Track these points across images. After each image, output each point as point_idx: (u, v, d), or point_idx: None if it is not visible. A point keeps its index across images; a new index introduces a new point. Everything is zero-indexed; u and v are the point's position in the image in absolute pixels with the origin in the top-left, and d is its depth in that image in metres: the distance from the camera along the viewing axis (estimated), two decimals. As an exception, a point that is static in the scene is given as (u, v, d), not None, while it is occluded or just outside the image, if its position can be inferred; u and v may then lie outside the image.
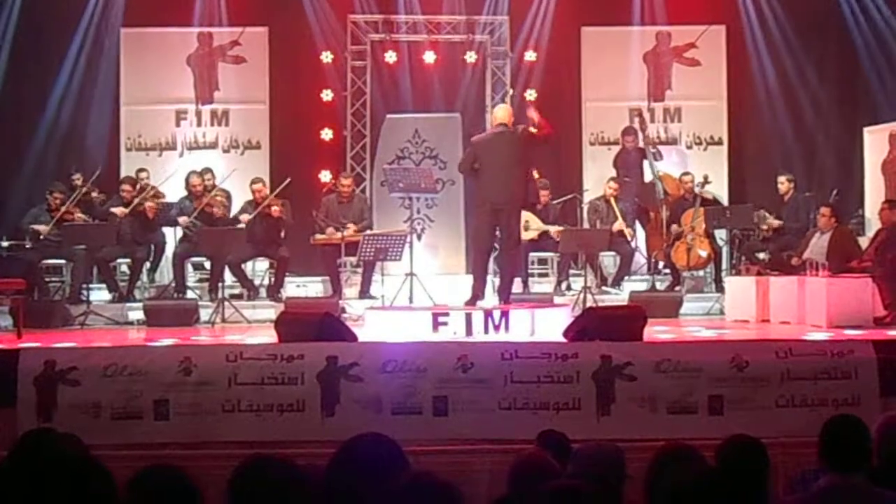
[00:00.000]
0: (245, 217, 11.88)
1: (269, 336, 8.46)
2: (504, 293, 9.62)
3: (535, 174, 13.19)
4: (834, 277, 9.97)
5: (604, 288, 12.27)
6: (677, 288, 12.30)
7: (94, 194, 12.32)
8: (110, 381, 6.99)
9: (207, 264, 12.18)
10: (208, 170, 12.60)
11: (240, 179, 12.62)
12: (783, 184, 12.29)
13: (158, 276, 12.41)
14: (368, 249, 11.21)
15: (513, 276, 9.75)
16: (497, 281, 10.40)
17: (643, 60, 13.97)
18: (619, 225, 12.28)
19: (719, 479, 3.24)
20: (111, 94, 13.49)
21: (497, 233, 9.73)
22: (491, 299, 9.93)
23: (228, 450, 6.32)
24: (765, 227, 12.10)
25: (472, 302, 9.46)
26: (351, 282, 12.18)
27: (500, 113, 10.00)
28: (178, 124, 13.63)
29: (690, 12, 13.76)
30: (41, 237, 11.60)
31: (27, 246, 11.79)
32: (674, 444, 4.06)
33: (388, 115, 13.59)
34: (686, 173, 12.97)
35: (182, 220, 11.92)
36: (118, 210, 11.77)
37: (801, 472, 4.56)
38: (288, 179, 12.20)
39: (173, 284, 11.92)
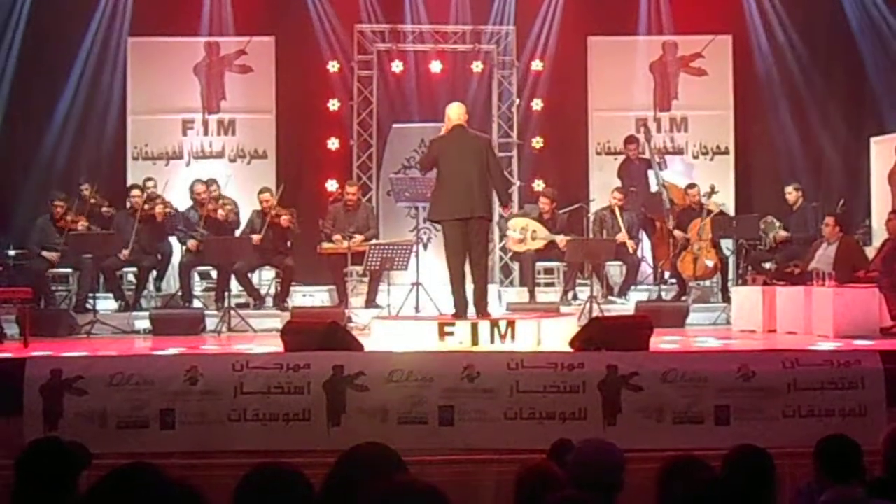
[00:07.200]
0: (256, 238, 11.75)
1: (275, 345, 8.44)
2: (480, 305, 9.14)
3: (541, 183, 13.22)
4: (840, 287, 9.94)
5: (610, 298, 12.26)
6: (683, 298, 12.28)
7: (103, 208, 12.33)
8: (116, 390, 6.99)
9: (214, 273, 12.18)
10: (214, 180, 12.59)
11: (245, 189, 12.63)
12: (791, 193, 12.28)
13: (165, 285, 12.41)
14: (375, 259, 11.21)
15: (485, 286, 9.33)
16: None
17: (649, 70, 13.98)
18: (621, 237, 12.24)
19: (727, 489, 3.23)
20: (118, 103, 13.54)
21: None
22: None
23: (234, 459, 6.31)
24: (771, 235, 12.08)
25: (459, 315, 9.13)
26: (357, 291, 12.18)
27: (455, 112, 9.18)
28: (184, 133, 13.66)
29: (697, 22, 13.77)
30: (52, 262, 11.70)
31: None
32: (682, 456, 4.05)
33: (395, 125, 13.62)
34: (692, 185, 12.95)
35: (191, 244, 11.84)
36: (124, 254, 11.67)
37: (808, 482, 4.56)
38: (282, 185, 12.22)
39: (180, 293, 11.93)
